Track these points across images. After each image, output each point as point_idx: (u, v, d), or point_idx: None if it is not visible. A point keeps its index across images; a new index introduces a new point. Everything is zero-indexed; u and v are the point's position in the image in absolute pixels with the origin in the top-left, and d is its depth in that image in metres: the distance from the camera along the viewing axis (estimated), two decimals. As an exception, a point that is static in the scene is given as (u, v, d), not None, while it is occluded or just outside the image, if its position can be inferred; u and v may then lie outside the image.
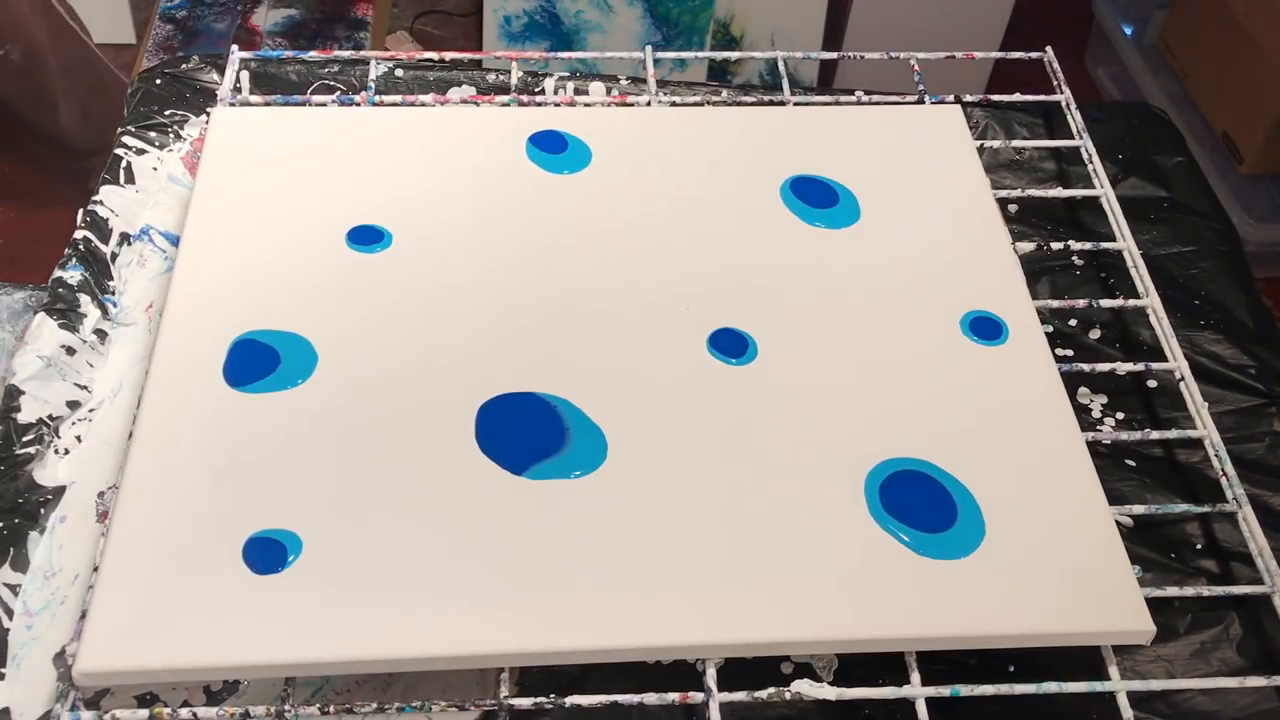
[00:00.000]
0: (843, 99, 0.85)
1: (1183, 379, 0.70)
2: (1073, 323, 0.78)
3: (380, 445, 0.60)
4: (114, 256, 0.74)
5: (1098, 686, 0.56)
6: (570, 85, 0.87)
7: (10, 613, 0.59)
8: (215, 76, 0.85)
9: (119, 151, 0.79)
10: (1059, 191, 0.82)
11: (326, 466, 0.59)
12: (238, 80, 0.80)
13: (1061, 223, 0.83)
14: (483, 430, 0.61)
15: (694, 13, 1.73)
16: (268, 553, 0.55)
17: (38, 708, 0.57)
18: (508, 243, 0.70)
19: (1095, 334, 0.77)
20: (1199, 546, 0.67)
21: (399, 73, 0.87)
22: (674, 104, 0.83)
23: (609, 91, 0.87)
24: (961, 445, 0.62)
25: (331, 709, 0.53)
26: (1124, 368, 0.72)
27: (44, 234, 1.55)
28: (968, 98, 0.86)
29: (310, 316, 0.65)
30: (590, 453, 0.60)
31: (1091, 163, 0.81)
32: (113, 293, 0.73)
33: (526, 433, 0.61)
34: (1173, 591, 0.62)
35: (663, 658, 0.59)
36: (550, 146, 0.75)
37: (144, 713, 0.52)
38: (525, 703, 0.54)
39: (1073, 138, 0.83)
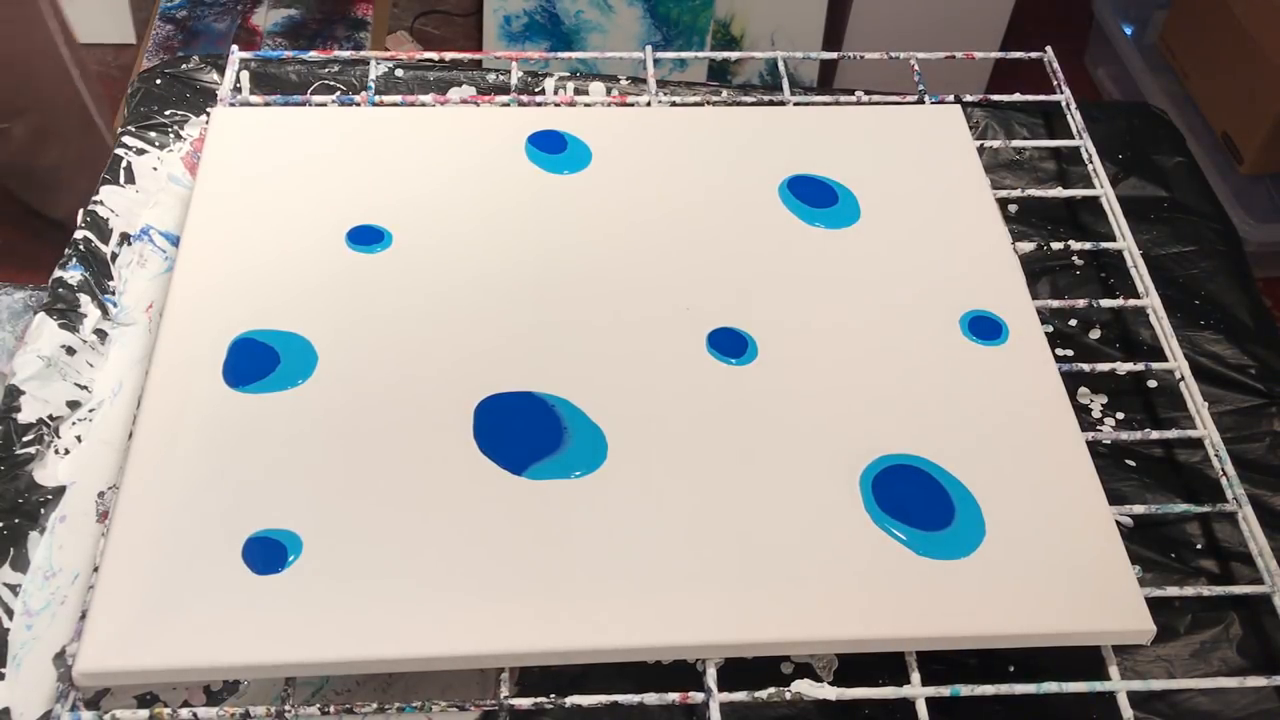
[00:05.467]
0: (843, 99, 0.85)
1: (1183, 379, 0.70)
2: (1073, 323, 0.78)
3: (381, 445, 0.60)
4: (114, 256, 0.74)
5: (1098, 686, 0.57)
6: (570, 85, 0.87)
7: (10, 613, 0.59)
8: (215, 76, 0.85)
9: (119, 151, 0.79)
10: (1059, 191, 0.82)
11: (326, 466, 0.59)
12: (238, 80, 0.80)
13: (1061, 223, 0.83)
14: (482, 430, 0.61)
15: (694, 13, 1.73)
16: (268, 553, 0.55)
17: (38, 708, 0.57)
18: (507, 242, 0.70)
19: (1095, 334, 0.77)
20: (1199, 546, 0.67)
21: (399, 73, 0.87)
22: (674, 104, 0.83)
23: (609, 91, 0.87)
24: (962, 445, 0.62)
25: (331, 709, 0.53)
26: (1124, 368, 0.72)
27: (44, 234, 1.55)
28: (968, 98, 0.86)
29: (310, 316, 0.65)
30: (590, 453, 0.60)
31: (1091, 163, 0.81)
32: (113, 293, 0.73)
33: (525, 432, 0.61)
34: (1173, 591, 0.62)
35: (663, 658, 0.59)
36: (550, 146, 0.75)
37: (144, 713, 0.52)
38: (525, 703, 0.54)
39: (1073, 138, 0.83)
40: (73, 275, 0.72)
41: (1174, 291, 0.79)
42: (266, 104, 0.80)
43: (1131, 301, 0.74)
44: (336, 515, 0.57)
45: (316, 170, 0.72)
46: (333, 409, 0.61)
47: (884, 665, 0.59)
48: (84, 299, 0.71)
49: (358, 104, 0.80)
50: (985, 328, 0.67)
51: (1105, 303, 0.75)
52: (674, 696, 0.55)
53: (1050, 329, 0.76)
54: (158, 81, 0.85)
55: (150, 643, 0.52)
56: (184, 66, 0.86)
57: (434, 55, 0.86)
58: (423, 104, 0.81)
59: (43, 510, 0.63)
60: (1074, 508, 0.60)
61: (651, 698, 0.54)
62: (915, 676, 0.56)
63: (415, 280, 0.67)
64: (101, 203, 0.76)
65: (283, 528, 0.56)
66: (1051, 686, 0.56)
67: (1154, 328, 0.72)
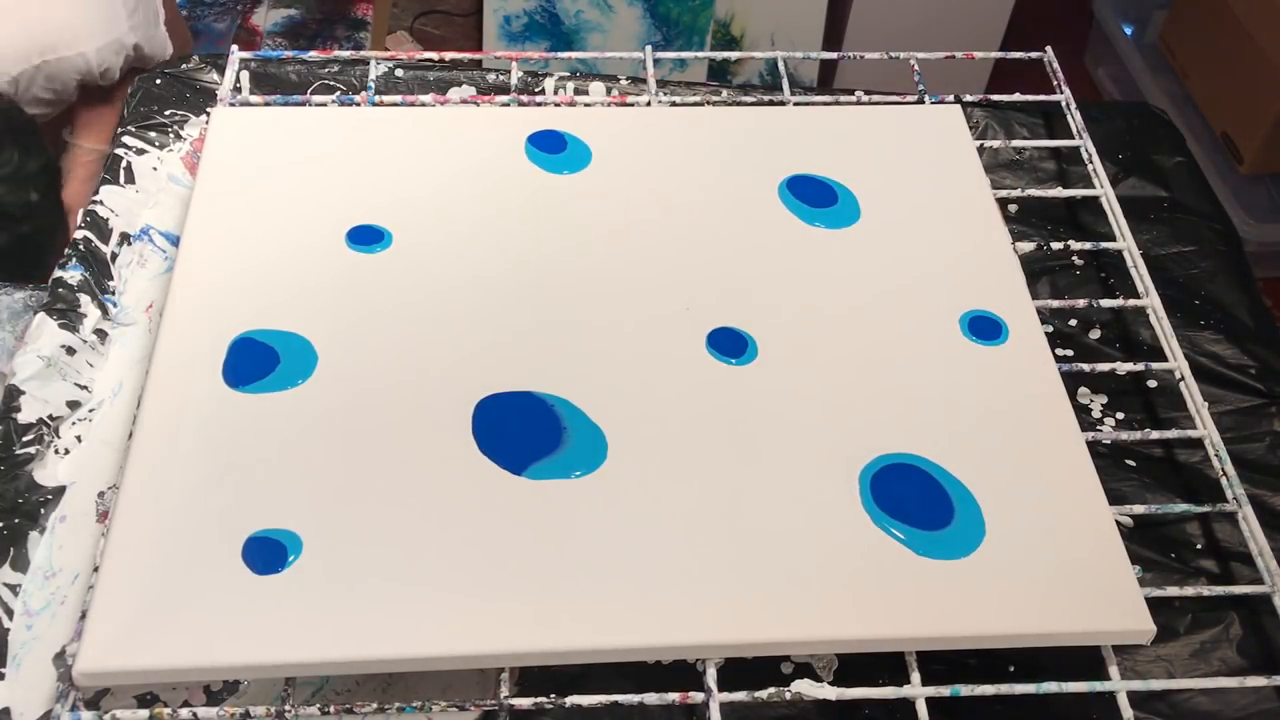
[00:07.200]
0: (843, 99, 0.85)
1: (1183, 379, 0.69)
2: (1073, 323, 0.78)
3: (381, 445, 0.60)
4: (114, 256, 0.74)
5: (1098, 686, 0.57)
6: (570, 85, 0.87)
7: (10, 613, 0.59)
8: (215, 76, 0.85)
9: (119, 151, 0.79)
10: (1059, 191, 0.82)
11: (326, 466, 0.59)
12: (238, 80, 0.80)
13: (1061, 223, 0.83)
14: (481, 430, 0.61)
15: (694, 13, 1.73)
16: (268, 553, 0.55)
17: (38, 708, 0.57)
18: (507, 242, 0.70)
19: (1095, 334, 0.77)
20: (1199, 546, 0.67)
21: (399, 73, 0.87)
22: (674, 104, 0.83)
23: (609, 91, 0.87)
24: (962, 445, 0.62)
25: (331, 709, 0.53)
26: (1124, 368, 0.72)
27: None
28: (968, 98, 0.86)
29: (310, 316, 0.65)
30: (590, 452, 0.60)
31: (1091, 163, 0.81)
32: (113, 293, 0.73)
33: (525, 432, 0.61)
34: (1173, 591, 0.62)
35: (663, 658, 0.59)
36: (550, 146, 0.75)
37: (144, 713, 0.52)
38: (525, 703, 0.54)
39: (1073, 138, 0.83)
40: (73, 275, 0.72)
41: (1174, 291, 0.79)
42: (266, 104, 0.80)
43: (1131, 301, 0.74)
44: (336, 515, 0.57)
45: (316, 170, 0.72)
46: (333, 409, 0.61)
47: (884, 665, 0.59)
48: (84, 299, 0.71)
49: (358, 104, 0.80)
50: (985, 327, 0.67)
51: (1105, 303, 0.75)
52: (674, 696, 0.55)
53: (1050, 329, 0.76)
54: (158, 81, 0.85)
55: (150, 643, 0.52)
56: (184, 66, 0.86)
57: (434, 55, 0.86)
58: (423, 104, 0.81)
59: (43, 510, 0.63)
60: (1074, 508, 0.60)
61: (651, 698, 0.54)
62: (915, 676, 0.56)
63: (415, 280, 0.67)
64: (101, 203, 0.76)
65: (283, 528, 0.56)
66: (1051, 686, 0.56)
67: (1154, 328, 0.72)
